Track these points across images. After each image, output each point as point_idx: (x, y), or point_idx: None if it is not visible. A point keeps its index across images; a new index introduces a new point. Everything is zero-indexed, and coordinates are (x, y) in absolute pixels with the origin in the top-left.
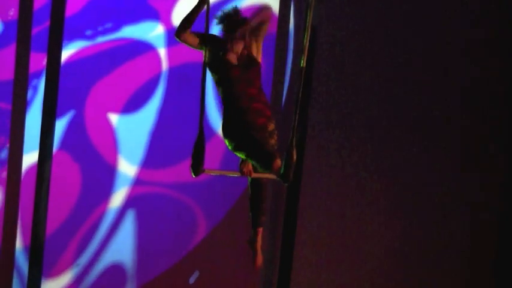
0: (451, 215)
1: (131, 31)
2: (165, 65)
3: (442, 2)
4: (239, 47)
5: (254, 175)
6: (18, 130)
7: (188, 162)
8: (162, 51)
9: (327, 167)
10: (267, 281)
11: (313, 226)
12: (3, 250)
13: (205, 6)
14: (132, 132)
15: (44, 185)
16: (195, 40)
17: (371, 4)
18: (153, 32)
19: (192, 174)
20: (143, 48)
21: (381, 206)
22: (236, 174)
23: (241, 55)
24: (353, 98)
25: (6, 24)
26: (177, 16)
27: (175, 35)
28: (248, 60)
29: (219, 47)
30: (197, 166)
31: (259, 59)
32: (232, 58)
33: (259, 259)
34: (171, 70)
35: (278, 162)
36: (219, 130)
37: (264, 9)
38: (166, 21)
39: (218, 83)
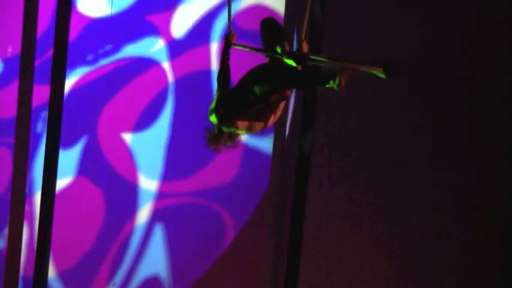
0: (455, 247)
1: (132, 49)
2: (170, 78)
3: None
4: None
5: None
6: (21, 165)
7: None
8: (166, 65)
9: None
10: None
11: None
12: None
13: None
14: (148, 148)
15: (47, 212)
16: None
17: (374, 7)
18: (154, 47)
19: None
20: (147, 64)
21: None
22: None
23: None
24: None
25: (6, 62)
26: (176, 28)
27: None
28: None
29: None
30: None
31: None
32: None
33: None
34: (177, 81)
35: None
36: None
37: None
38: (166, 35)
39: None
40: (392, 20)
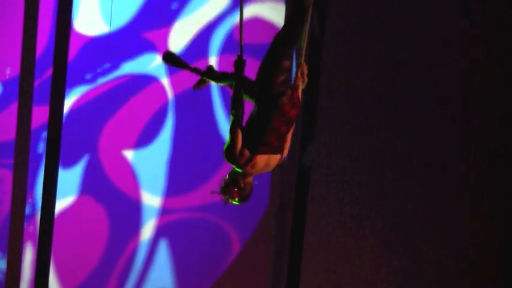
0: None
1: (131, 67)
2: (170, 94)
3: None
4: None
5: None
6: (21, 186)
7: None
8: (165, 81)
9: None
10: None
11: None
12: None
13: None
14: (149, 165)
15: (47, 230)
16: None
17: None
18: (152, 64)
19: None
20: (146, 81)
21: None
22: None
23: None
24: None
25: (4, 84)
26: (174, 43)
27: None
28: None
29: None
30: None
31: None
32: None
33: None
34: (177, 97)
35: None
36: None
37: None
38: (164, 50)
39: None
40: (391, 21)
